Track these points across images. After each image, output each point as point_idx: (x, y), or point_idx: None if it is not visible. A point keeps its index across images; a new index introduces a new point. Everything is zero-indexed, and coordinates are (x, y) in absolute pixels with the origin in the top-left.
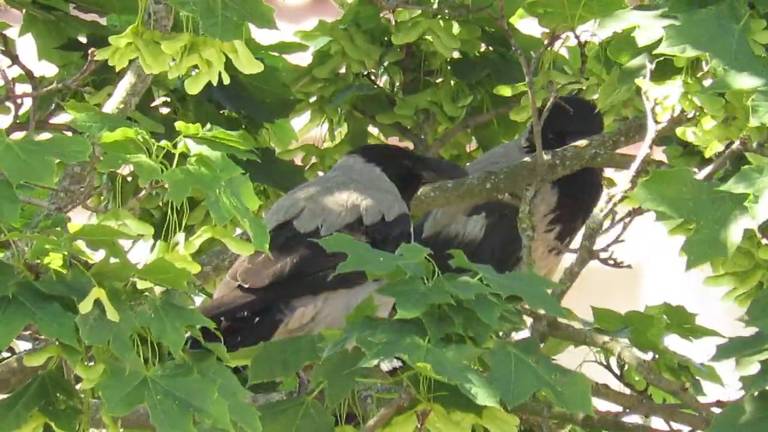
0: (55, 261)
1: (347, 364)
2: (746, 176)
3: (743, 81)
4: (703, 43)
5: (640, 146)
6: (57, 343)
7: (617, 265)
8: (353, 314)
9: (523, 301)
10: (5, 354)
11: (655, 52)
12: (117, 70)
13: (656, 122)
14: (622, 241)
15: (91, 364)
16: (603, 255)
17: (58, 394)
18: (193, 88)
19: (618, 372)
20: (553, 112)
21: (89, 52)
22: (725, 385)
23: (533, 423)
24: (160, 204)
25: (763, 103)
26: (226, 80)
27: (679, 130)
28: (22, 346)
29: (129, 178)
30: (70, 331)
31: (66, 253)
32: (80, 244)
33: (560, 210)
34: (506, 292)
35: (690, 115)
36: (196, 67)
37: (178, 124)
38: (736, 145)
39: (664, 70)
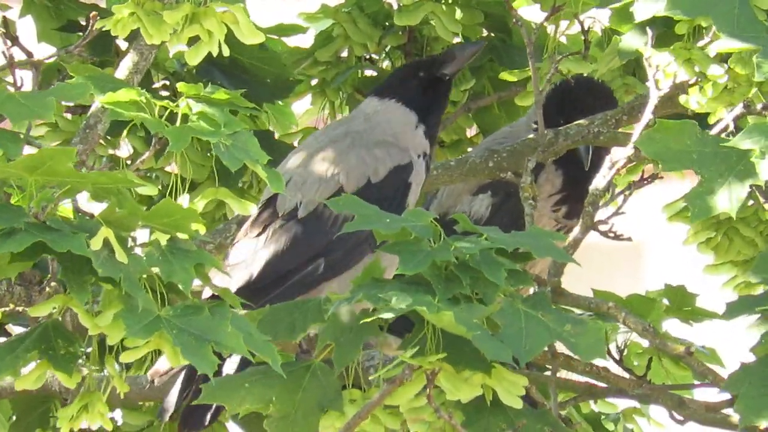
0: (61, 210)
1: (355, 326)
2: (752, 132)
3: (745, 43)
4: (704, 7)
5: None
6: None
7: (617, 237)
8: (360, 277)
9: (530, 260)
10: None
11: (657, 14)
12: (120, 38)
13: (658, 89)
14: (623, 213)
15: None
16: (603, 227)
17: (59, 341)
18: (194, 58)
19: (617, 357)
20: (563, 99)
21: (90, 15)
22: (726, 367)
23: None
24: (160, 187)
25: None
26: (226, 52)
27: (682, 98)
28: (17, 330)
29: (129, 162)
30: (81, 244)
31: (72, 200)
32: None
33: (566, 191)
34: (511, 246)
35: (692, 82)
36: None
37: (179, 85)
38: (739, 108)
39: (666, 39)
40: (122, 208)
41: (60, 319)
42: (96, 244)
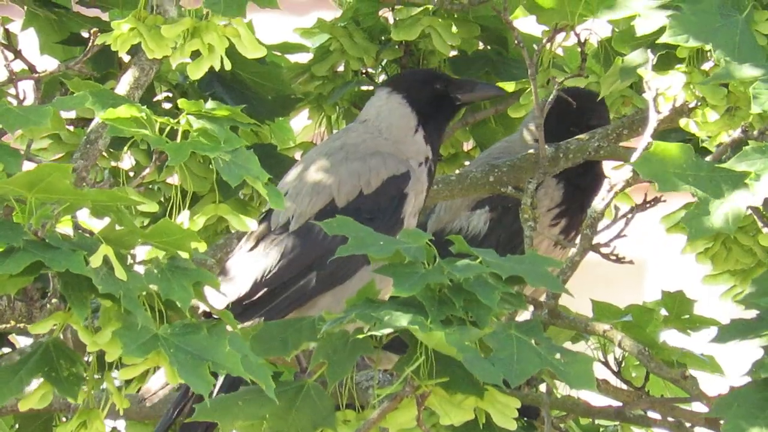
0: (62, 222)
1: (348, 345)
2: (747, 156)
3: (746, 71)
4: (705, 33)
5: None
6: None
7: (619, 260)
8: (354, 297)
9: (525, 284)
10: (5, 349)
11: (657, 41)
12: (119, 54)
13: (658, 112)
14: (625, 236)
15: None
16: (605, 250)
17: (61, 361)
18: (195, 72)
19: (616, 369)
20: (573, 105)
21: (91, 32)
22: (725, 375)
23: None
24: (162, 200)
25: (765, 91)
26: (228, 66)
27: (682, 122)
28: (22, 341)
29: (131, 173)
30: (80, 262)
31: (71, 216)
32: (84, 221)
33: (565, 204)
34: (506, 272)
35: (692, 105)
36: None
37: (180, 102)
38: (738, 133)
39: (667, 61)
40: (121, 225)
41: (61, 336)
42: (96, 261)
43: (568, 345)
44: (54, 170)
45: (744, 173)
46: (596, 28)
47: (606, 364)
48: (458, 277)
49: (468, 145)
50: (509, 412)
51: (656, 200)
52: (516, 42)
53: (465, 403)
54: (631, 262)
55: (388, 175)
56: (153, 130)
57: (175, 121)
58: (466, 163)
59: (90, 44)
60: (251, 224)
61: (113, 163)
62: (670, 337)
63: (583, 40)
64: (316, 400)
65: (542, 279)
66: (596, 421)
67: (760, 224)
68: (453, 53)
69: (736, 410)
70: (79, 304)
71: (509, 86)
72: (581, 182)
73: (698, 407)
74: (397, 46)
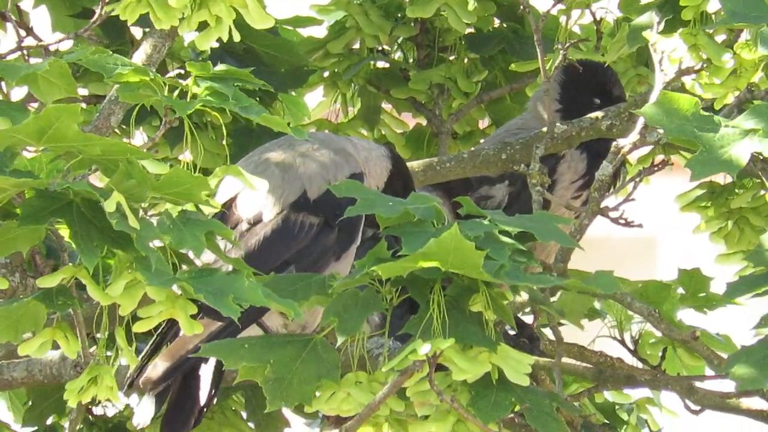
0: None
1: (359, 303)
2: (757, 112)
3: (750, 19)
4: None
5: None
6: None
7: (628, 224)
8: (365, 258)
9: (535, 240)
10: None
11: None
12: (129, 25)
13: (664, 75)
14: (633, 200)
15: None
16: (613, 214)
17: (60, 298)
18: (204, 44)
19: (632, 347)
20: (600, 76)
21: (100, 0)
22: None
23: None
24: None
25: None
26: (237, 37)
27: (688, 84)
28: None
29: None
30: (89, 189)
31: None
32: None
33: (588, 175)
34: (516, 228)
35: (697, 68)
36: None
37: (188, 65)
38: (743, 93)
39: (673, 25)
40: (132, 177)
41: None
42: (109, 206)
43: (583, 322)
44: (62, 112)
45: (752, 130)
46: (611, 7)
47: (622, 342)
48: (468, 236)
49: (484, 123)
50: (522, 368)
51: (664, 163)
52: (522, 8)
53: (480, 357)
54: (640, 225)
55: (350, 171)
56: (162, 92)
57: (185, 83)
58: (482, 140)
59: (99, 12)
60: (261, 186)
61: (125, 140)
62: (686, 318)
63: (598, 19)
64: (322, 353)
65: (552, 234)
66: (612, 399)
67: None
68: (469, 31)
69: (744, 361)
70: (88, 253)
71: (528, 66)
72: (604, 151)
73: (713, 386)
74: (412, 24)
